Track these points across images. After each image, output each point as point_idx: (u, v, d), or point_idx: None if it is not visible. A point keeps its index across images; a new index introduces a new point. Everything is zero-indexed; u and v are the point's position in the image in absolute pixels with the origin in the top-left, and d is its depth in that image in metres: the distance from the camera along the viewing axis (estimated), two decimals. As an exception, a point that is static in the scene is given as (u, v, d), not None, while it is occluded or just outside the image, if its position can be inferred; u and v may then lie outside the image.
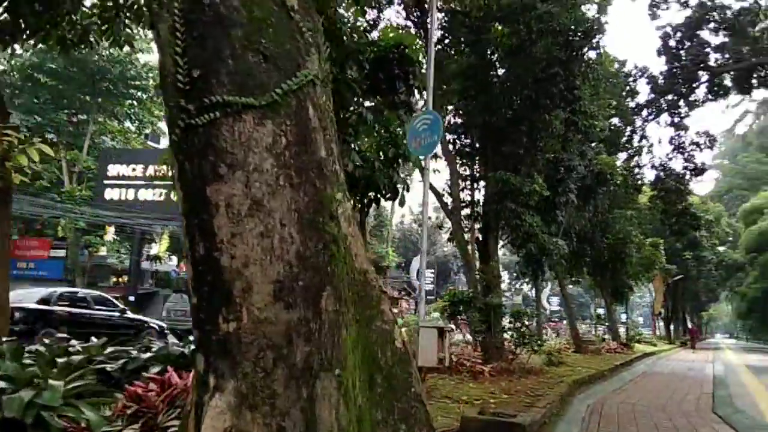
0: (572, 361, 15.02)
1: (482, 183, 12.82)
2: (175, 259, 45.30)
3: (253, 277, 2.43)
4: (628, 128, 29.20)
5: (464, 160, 13.17)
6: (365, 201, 8.58)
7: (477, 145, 13.05)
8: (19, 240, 39.44)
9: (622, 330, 30.08)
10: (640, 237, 26.98)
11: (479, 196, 12.80)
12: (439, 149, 12.06)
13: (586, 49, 11.01)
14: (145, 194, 36.97)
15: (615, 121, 28.49)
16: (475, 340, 11.22)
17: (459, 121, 12.71)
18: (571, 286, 52.88)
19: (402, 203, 8.64)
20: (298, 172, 2.56)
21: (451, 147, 12.71)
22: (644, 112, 29.19)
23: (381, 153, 8.67)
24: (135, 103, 39.42)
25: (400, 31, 9.75)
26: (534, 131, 11.86)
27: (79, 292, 18.08)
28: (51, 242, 39.08)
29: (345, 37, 8.36)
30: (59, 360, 4.50)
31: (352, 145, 8.16)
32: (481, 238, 12.31)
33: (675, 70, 27.49)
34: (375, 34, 10.04)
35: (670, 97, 28.43)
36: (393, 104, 8.90)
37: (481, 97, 12.19)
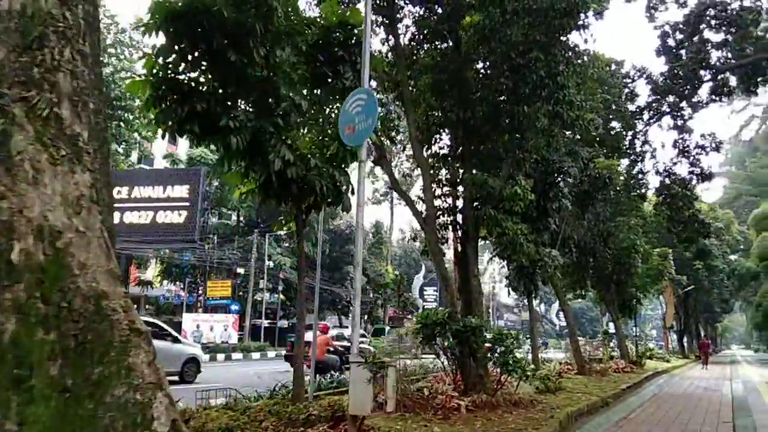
0: (572, 386, 13.42)
1: (461, 188, 11.38)
2: (166, 284, 43.87)
3: None
4: (629, 132, 27.78)
5: (439, 164, 11.76)
6: (303, 207, 7.15)
7: (453, 146, 11.66)
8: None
9: (632, 346, 28.28)
10: (646, 247, 25.40)
11: (458, 202, 11.36)
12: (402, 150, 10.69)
13: (568, 30, 9.63)
14: (130, 217, 35.97)
15: (615, 125, 27.27)
16: (453, 369, 9.69)
17: (432, 120, 11.29)
18: (580, 300, 50.99)
19: (347, 209, 7.21)
20: None
21: (425, 149, 11.30)
22: (645, 115, 27.72)
23: (322, 150, 7.28)
24: (121, 124, 38.32)
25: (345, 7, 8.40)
26: (514, 127, 10.45)
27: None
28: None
29: (277, 16, 7.04)
30: None
31: (284, 140, 6.78)
32: (459, 250, 10.84)
33: (676, 69, 26.06)
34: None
35: (671, 98, 26.96)
36: (338, 92, 7.54)
37: (455, 91, 10.83)
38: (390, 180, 10.89)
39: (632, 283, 24.39)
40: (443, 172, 11.77)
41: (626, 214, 23.44)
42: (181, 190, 36.35)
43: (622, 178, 20.27)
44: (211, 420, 5.96)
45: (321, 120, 7.50)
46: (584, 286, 24.84)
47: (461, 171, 11.19)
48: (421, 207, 11.06)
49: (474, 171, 10.31)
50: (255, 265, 39.47)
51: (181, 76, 6.78)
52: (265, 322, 45.09)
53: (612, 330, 30.69)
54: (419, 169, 11.03)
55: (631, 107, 27.48)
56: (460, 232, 10.97)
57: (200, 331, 34.94)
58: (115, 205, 31.38)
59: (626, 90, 26.80)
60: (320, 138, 7.24)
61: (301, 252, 7.26)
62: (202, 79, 6.95)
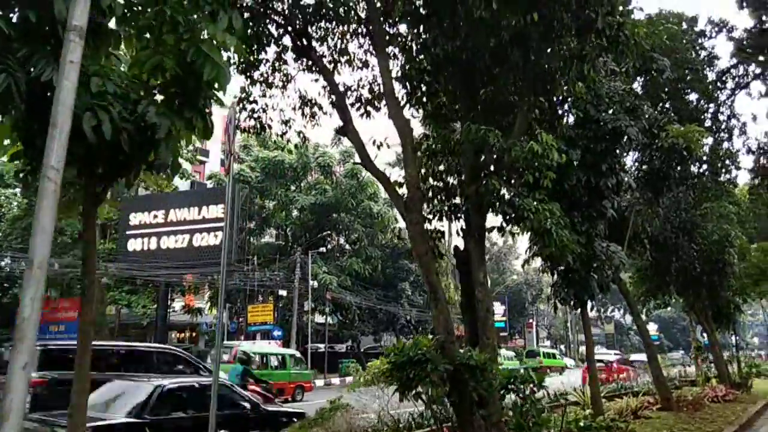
0: (652, 433, 9.53)
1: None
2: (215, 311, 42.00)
3: None
4: (710, 105, 23.13)
5: (426, 122, 8.37)
6: (95, 171, 3.96)
7: (447, 100, 8.23)
8: (53, 301, 37.69)
9: (733, 364, 23.08)
10: (743, 239, 20.58)
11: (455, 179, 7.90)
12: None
13: None
14: (167, 242, 34.37)
15: (692, 97, 22.80)
16: (448, 427, 6.20)
17: (415, 64, 7.91)
18: (668, 308, 44.84)
19: (164, 167, 4.02)
20: None
21: (403, 101, 7.94)
22: (729, 82, 23.02)
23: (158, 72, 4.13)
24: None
25: None
26: (524, 52, 6.92)
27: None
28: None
29: None
30: None
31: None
32: (462, 248, 7.36)
33: (765, 22, 21.36)
34: None
35: (761, 58, 22.21)
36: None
37: (445, 15, 7.47)
38: (359, 154, 7.63)
39: (728, 286, 19.63)
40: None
41: (714, 200, 18.87)
42: (217, 210, 34.34)
43: (705, 148, 15.93)
44: None
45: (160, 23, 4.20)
46: (667, 292, 20.34)
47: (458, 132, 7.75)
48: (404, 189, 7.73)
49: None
50: (299, 286, 36.77)
51: None
52: (320, 347, 42.05)
53: (706, 340, 25.70)
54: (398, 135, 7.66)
55: (711, 75, 22.93)
56: (461, 222, 7.52)
57: (239, 360, 32.66)
58: (153, 230, 28.36)
59: (703, 53, 22.23)
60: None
61: (91, 253, 4.12)
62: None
